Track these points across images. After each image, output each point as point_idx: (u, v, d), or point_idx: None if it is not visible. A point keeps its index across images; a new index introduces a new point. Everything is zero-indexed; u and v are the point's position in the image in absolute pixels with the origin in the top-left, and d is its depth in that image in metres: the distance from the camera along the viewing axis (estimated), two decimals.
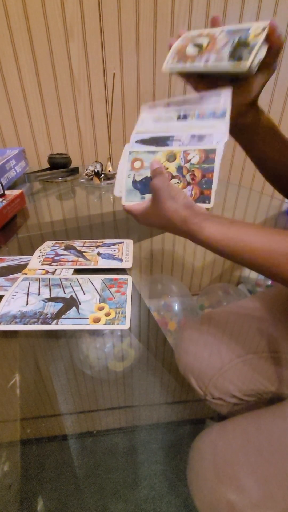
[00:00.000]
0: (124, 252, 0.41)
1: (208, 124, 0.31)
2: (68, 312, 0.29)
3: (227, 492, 0.26)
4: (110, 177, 0.75)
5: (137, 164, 0.33)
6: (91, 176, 0.74)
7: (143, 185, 0.32)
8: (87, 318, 0.28)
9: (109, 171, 0.75)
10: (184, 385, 0.38)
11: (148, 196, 0.32)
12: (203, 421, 0.39)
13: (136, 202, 0.32)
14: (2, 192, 0.56)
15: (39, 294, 0.32)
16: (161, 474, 0.33)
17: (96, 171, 0.74)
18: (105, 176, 0.75)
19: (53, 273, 0.36)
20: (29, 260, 0.39)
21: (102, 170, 0.76)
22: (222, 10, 0.81)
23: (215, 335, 0.38)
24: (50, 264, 0.37)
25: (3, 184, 0.57)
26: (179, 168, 0.31)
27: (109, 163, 0.76)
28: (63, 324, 0.27)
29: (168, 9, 0.79)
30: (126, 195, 0.32)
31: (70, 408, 0.22)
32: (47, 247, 0.42)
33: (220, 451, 0.29)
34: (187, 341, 0.40)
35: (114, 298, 0.31)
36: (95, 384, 0.24)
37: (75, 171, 0.82)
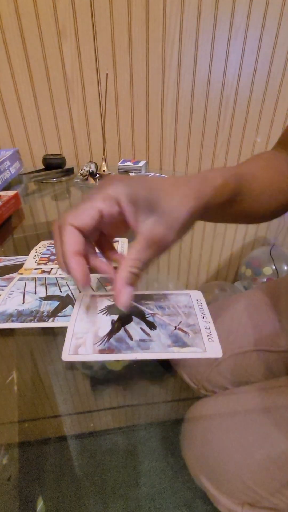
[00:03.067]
0: (119, 251, 0.41)
1: None
2: (64, 310, 0.29)
3: (213, 451, 0.31)
4: (105, 177, 0.75)
5: None
6: (86, 177, 0.74)
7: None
8: None
9: (104, 171, 0.76)
10: (182, 381, 0.38)
11: None
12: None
13: None
14: None
15: (35, 293, 0.32)
16: (161, 471, 0.33)
17: (90, 171, 0.74)
18: (100, 176, 0.76)
19: (49, 272, 0.36)
20: (24, 260, 0.39)
21: (96, 170, 0.76)
22: (213, 10, 0.82)
23: None
24: (46, 264, 0.38)
25: None
26: None
27: (103, 163, 0.76)
28: (60, 322, 0.28)
29: (160, 10, 0.80)
30: None
31: (68, 407, 0.23)
32: (42, 247, 0.43)
33: (209, 417, 0.33)
34: None
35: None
36: (92, 382, 0.25)
37: (69, 171, 0.82)
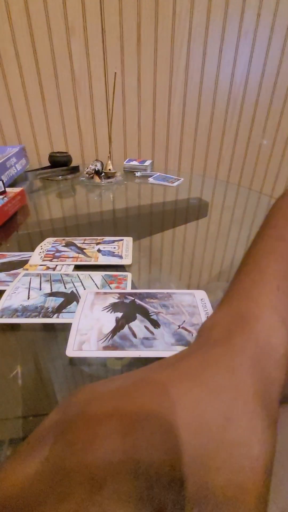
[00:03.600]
0: (124, 249, 0.41)
1: None
2: (69, 306, 0.30)
3: None
4: (110, 175, 0.75)
5: None
6: (92, 175, 0.75)
7: None
8: None
9: (110, 169, 0.76)
10: None
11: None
12: None
13: None
14: (3, 189, 0.56)
15: (40, 289, 0.32)
16: None
17: (96, 169, 0.74)
18: (105, 174, 0.76)
19: (54, 269, 0.36)
20: (30, 256, 0.39)
21: (102, 169, 0.76)
22: (223, 11, 0.81)
23: None
24: (51, 260, 0.38)
25: (4, 181, 0.58)
26: None
27: (109, 161, 0.76)
28: (64, 318, 0.28)
29: (169, 10, 0.79)
30: None
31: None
32: (47, 243, 0.43)
33: None
34: None
35: None
36: (92, 380, 0.25)
37: (75, 169, 0.83)
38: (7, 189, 0.58)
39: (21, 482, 0.09)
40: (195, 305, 0.30)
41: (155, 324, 0.28)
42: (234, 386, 0.11)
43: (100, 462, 0.09)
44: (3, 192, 0.56)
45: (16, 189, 0.59)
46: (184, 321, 0.28)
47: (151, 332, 0.26)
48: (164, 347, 0.25)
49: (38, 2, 0.75)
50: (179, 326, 0.27)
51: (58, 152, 0.83)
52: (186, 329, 0.27)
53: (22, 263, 0.38)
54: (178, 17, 0.80)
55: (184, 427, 0.10)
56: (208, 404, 0.11)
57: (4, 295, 0.31)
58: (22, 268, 0.36)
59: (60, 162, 0.82)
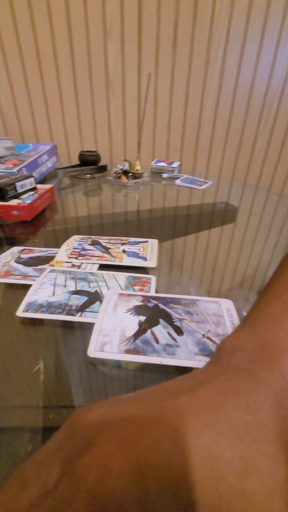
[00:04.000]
0: (148, 251, 0.41)
1: None
2: (92, 305, 0.30)
3: None
4: (138, 176, 0.75)
5: None
6: (119, 175, 0.75)
7: None
8: None
9: (137, 170, 0.76)
10: None
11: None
12: None
13: None
14: (34, 185, 0.58)
15: (65, 286, 0.32)
16: None
17: (124, 169, 0.75)
18: (132, 175, 0.76)
19: (79, 266, 0.37)
20: (56, 253, 0.40)
21: (130, 169, 0.76)
22: (264, 11, 0.79)
23: None
24: (76, 258, 0.38)
25: (35, 178, 0.59)
26: None
27: (137, 162, 0.77)
28: (87, 317, 0.28)
29: (208, 10, 0.78)
30: None
31: (84, 400, 0.23)
32: (74, 241, 0.43)
33: None
34: None
35: None
36: (106, 380, 0.25)
37: (103, 168, 0.84)
38: (38, 186, 0.59)
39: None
40: (221, 314, 0.29)
41: (179, 331, 0.27)
42: (255, 426, 0.10)
43: (111, 507, 0.09)
44: (34, 188, 0.58)
45: (46, 186, 0.60)
46: (209, 330, 0.27)
47: (174, 339, 0.26)
48: (187, 355, 0.24)
49: (78, 5, 0.77)
50: (203, 335, 0.26)
51: (87, 151, 0.85)
52: (210, 339, 0.26)
53: (48, 259, 0.38)
54: (216, 17, 0.79)
55: (199, 473, 0.09)
56: (225, 447, 0.09)
57: (30, 290, 0.31)
58: (48, 264, 0.37)
59: (89, 161, 0.83)
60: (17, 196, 0.53)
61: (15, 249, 0.41)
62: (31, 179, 0.57)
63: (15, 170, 0.62)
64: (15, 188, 0.52)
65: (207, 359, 0.24)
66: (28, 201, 0.51)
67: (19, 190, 0.54)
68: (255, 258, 0.62)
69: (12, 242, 0.46)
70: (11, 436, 0.20)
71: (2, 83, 0.86)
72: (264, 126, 0.95)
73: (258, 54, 0.84)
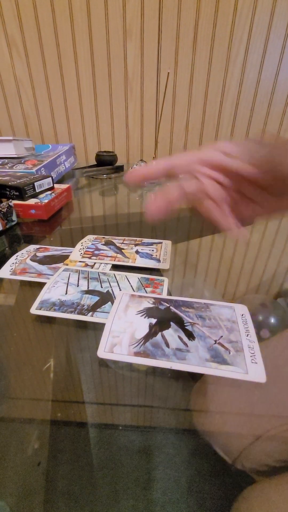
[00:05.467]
0: (162, 252, 0.40)
1: None
2: (103, 306, 0.30)
3: None
4: None
5: None
6: None
7: None
8: None
9: None
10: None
11: None
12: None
13: None
14: (52, 185, 0.59)
15: (77, 285, 0.33)
16: (174, 481, 0.32)
17: None
18: None
19: (92, 266, 0.37)
20: (70, 252, 0.40)
21: None
22: None
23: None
24: (90, 258, 0.39)
25: (53, 177, 0.60)
26: None
27: (153, 162, 0.76)
28: (98, 318, 0.28)
29: (231, 6, 0.76)
30: None
31: (92, 397, 0.23)
32: (88, 240, 0.44)
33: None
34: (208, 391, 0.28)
35: None
36: (117, 379, 0.25)
37: (120, 168, 0.84)
38: (55, 185, 0.61)
39: None
40: (235, 320, 0.28)
41: (190, 335, 0.26)
42: None
43: None
44: (52, 188, 0.59)
45: (64, 186, 0.61)
46: (222, 336, 0.26)
47: (185, 344, 0.25)
48: (197, 361, 0.24)
49: (99, 5, 0.77)
50: (215, 341, 0.26)
51: (104, 151, 0.85)
52: (223, 346, 0.25)
53: (62, 258, 0.39)
54: (239, 13, 0.77)
55: None
56: None
57: (44, 288, 0.32)
58: (62, 263, 0.38)
59: (106, 161, 0.84)
60: (35, 195, 0.54)
61: (32, 247, 0.42)
62: (49, 179, 0.58)
63: (34, 170, 0.63)
64: (33, 188, 0.54)
65: (219, 366, 0.23)
66: (45, 201, 0.52)
67: (37, 190, 0.55)
68: (273, 262, 0.60)
69: (29, 240, 0.47)
70: (20, 426, 0.20)
71: (24, 86, 0.88)
72: (287, 126, 0.92)
73: (282, 51, 0.81)
